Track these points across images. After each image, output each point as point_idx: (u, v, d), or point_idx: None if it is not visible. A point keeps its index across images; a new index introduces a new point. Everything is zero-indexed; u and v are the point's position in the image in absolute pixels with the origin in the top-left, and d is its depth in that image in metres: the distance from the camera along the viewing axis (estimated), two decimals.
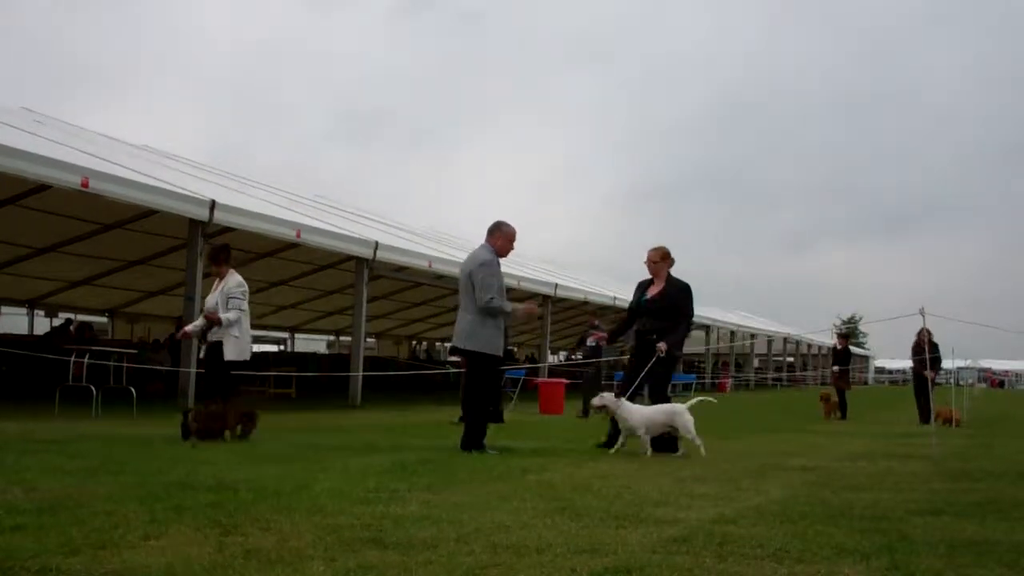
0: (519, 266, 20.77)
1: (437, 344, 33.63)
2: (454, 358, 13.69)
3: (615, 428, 7.87)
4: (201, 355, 8.82)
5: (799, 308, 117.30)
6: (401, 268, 18.32)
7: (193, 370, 11.96)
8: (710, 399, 7.97)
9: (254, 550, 3.29)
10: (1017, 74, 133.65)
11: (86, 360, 11.80)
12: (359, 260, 16.00)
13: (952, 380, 19.29)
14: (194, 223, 12.53)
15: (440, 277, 18.87)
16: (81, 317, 21.37)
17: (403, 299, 26.77)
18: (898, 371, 63.06)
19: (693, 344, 35.90)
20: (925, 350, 12.61)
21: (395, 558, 3.24)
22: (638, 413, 7.47)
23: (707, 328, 35.14)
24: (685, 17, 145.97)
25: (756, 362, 43.46)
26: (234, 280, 8.28)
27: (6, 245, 16.75)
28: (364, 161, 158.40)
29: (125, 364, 12.76)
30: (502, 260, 7.74)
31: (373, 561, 3.18)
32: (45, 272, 18.86)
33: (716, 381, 34.54)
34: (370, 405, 15.32)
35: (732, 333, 39.42)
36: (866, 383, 60.25)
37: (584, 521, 4.09)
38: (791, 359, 50.79)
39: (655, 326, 7.83)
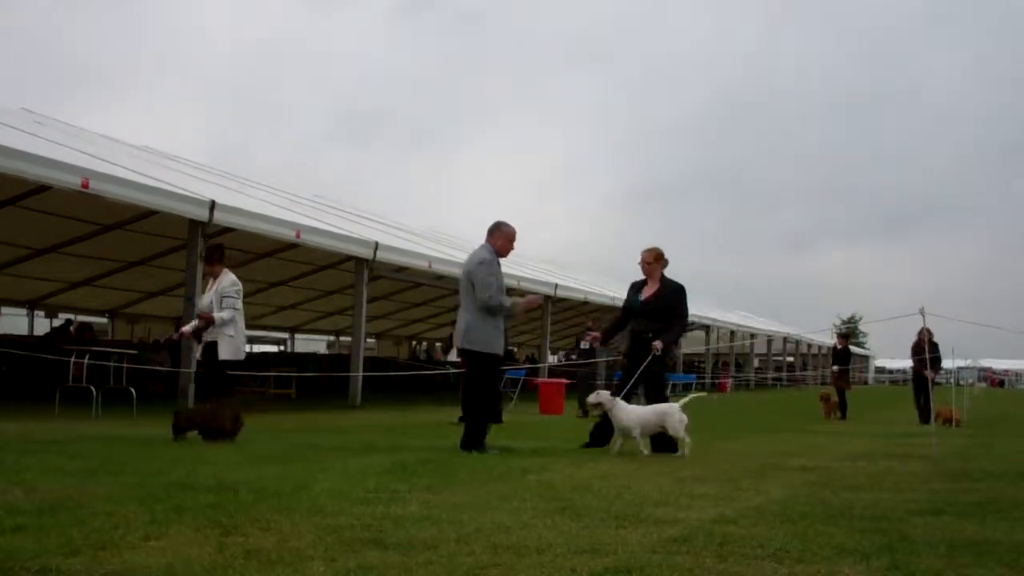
0: (519, 266, 20.78)
1: (437, 344, 33.62)
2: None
3: (599, 428, 7.89)
4: (198, 355, 8.78)
5: (799, 308, 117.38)
6: (401, 268, 18.33)
7: (193, 371, 11.97)
8: (702, 394, 7.98)
9: (254, 550, 3.29)
10: (1017, 74, 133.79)
11: (86, 361, 11.80)
12: (359, 260, 16.00)
13: (952, 380, 19.30)
14: (194, 223, 12.53)
15: (440, 277, 18.88)
16: (81, 318, 21.37)
17: (403, 299, 26.78)
18: (898, 371, 63.05)
19: (693, 344, 35.93)
20: (925, 350, 12.61)
21: (395, 558, 3.24)
22: (632, 413, 7.48)
23: (707, 328, 35.14)
24: (685, 17, 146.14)
25: (756, 362, 43.45)
26: (228, 279, 8.27)
27: (6, 246, 16.76)
28: (364, 161, 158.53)
29: (125, 365, 12.77)
30: (502, 260, 7.76)
31: (373, 562, 3.18)
32: (45, 273, 18.87)
33: (716, 381, 34.53)
34: (370, 405, 15.32)
35: (732, 333, 39.41)
36: (866, 383, 60.25)
37: (584, 521, 4.09)
38: (791, 359, 50.80)
39: (650, 327, 7.84)
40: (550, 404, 15.47)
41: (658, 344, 7.74)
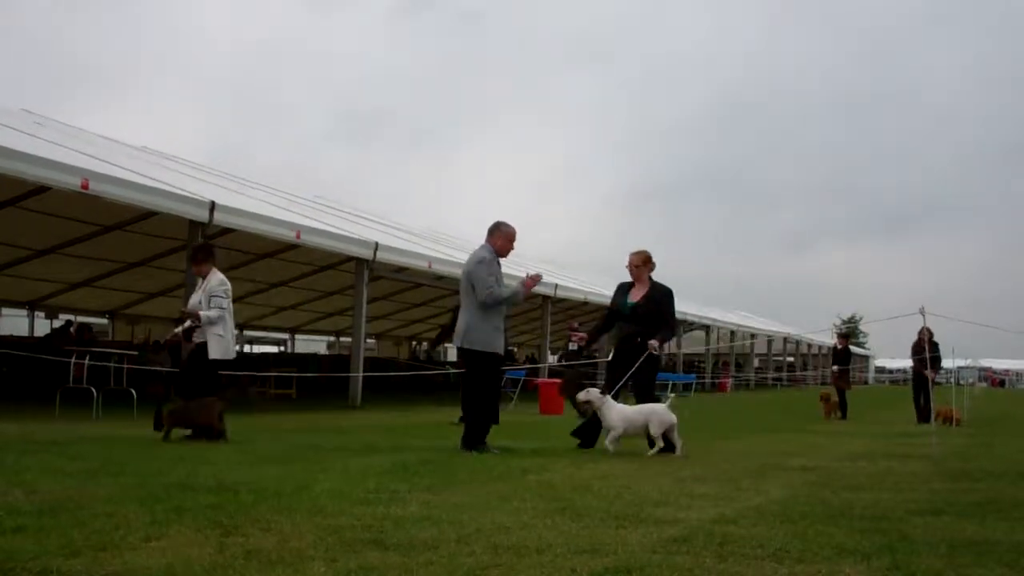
0: (519, 266, 20.76)
1: (423, 345, 33.62)
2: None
3: (583, 428, 7.90)
4: (184, 355, 8.77)
5: (799, 308, 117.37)
6: (401, 269, 18.33)
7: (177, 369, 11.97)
8: (674, 396, 8.03)
9: (255, 551, 3.29)
10: (1017, 74, 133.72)
11: (86, 362, 11.80)
12: (359, 261, 16.01)
13: (952, 379, 19.30)
14: (194, 224, 12.53)
15: (440, 278, 18.88)
16: (81, 319, 21.39)
17: (403, 300, 26.79)
18: (898, 371, 63.06)
19: (693, 344, 35.96)
20: (925, 349, 12.61)
21: (396, 559, 3.24)
22: (618, 411, 7.49)
23: (707, 328, 35.15)
24: (685, 17, 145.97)
25: (756, 362, 43.48)
26: (216, 279, 8.27)
27: (6, 247, 16.77)
28: (364, 161, 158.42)
29: (125, 365, 12.77)
30: (502, 260, 7.78)
31: (374, 562, 3.19)
32: (45, 274, 18.88)
33: (716, 381, 34.54)
34: (370, 406, 15.33)
35: (732, 333, 39.44)
36: (866, 383, 60.26)
37: (584, 521, 4.09)
38: (791, 359, 50.81)
39: (639, 330, 7.87)
40: (550, 404, 15.48)
41: (654, 343, 7.79)
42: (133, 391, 11.50)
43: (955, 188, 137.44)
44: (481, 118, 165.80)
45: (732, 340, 38.99)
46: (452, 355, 26.68)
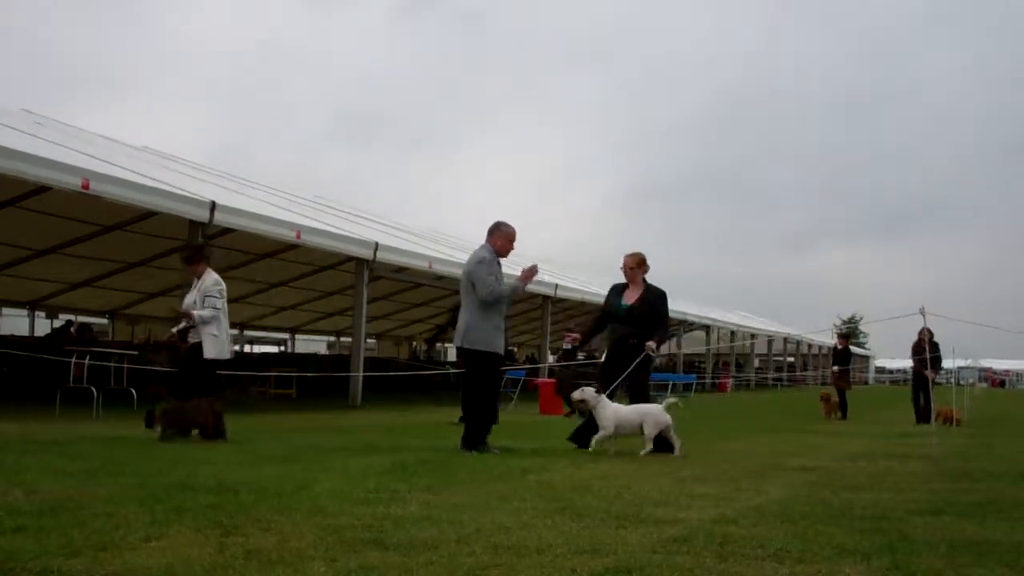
0: (519, 266, 20.74)
1: (437, 344, 33.64)
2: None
3: (580, 431, 7.92)
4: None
5: (799, 308, 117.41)
6: (401, 269, 18.33)
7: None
8: (677, 403, 8.03)
9: (255, 551, 3.29)
10: (1017, 74, 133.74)
11: (87, 361, 11.80)
12: (359, 261, 16.01)
13: (953, 380, 19.30)
14: (194, 224, 12.53)
15: (440, 278, 18.88)
16: (81, 319, 21.38)
17: (403, 300, 26.79)
18: (898, 371, 63.06)
19: (693, 344, 35.97)
20: (926, 350, 12.61)
21: (396, 559, 3.25)
22: (612, 411, 7.48)
23: (707, 328, 35.16)
24: (685, 17, 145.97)
25: (756, 362, 43.48)
26: (211, 279, 8.27)
27: (7, 247, 16.76)
28: (364, 161, 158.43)
29: (126, 365, 12.77)
30: (503, 260, 7.79)
31: (374, 562, 3.19)
32: (45, 274, 18.87)
33: (717, 381, 34.54)
34: (370, 406, 15.33)
35: (732, 333, 39.45)
36: (866, 383, 60.26)
37: (584, 521, 4.09)
38: (791, 359, 50.82)
39: (634, 331, 7.88)
40: (550, 404, 15.48)
41: (652, 344, 7.82)
42: (133, 391, 11.51)
43: (955, 188, 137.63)
44: (481, 118, 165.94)
45: (732, 340, 38.99)
46: (452, 355, 26.67)
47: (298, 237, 14.40)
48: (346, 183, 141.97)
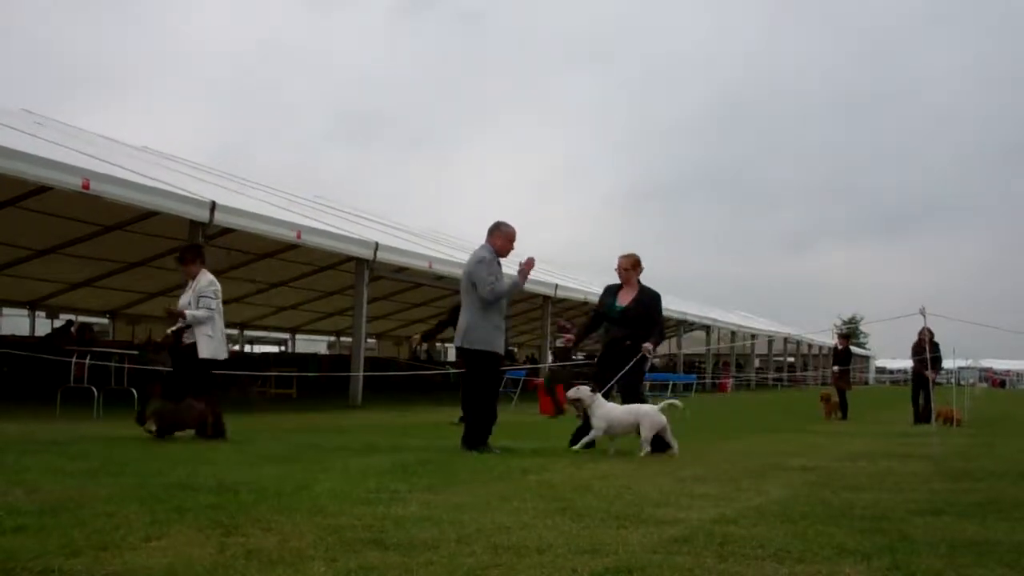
0: (518, 265, 20.76)
1: (437, 345, 33.64)
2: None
3: (579, 432, 7.93)
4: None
5: (799, 308, 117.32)
6: (401, 269, 18.34)
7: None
8: (676, 403, 8.03)
9: (255, 551, 3.30)
10: (1017, 74, 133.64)
11: (87, 361, 11.80)
12: (359, 261, 16.02)
13: (953, 380, 19.30)
14: (194, 224, 12.54)
15: (440, 278, 18.89)
16: (82, 318, 21.39)
17: (403, 300, 26.80)
18: (899, 371, 63.06)
19: (694, 344, 35.97)
20: (926, 350, 12.61)
21: (396, 559, 3.25)
22: (605, 411, 7.48)
23: (708, 328, 35.16)
24: (685, 17, 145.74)
25: (757, 362, 43.49)
26: (206, 279, 8.26)
27: (7, 247, 16.78)
28: (364, 161, 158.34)
29: (126, 365, 12.77)
30: (503, 260, 7.80)
31: (374, 562, 3.19)
32: (46, 274, 18.89)
33: (717, 381, 34.55)
34: (370, 405, 15.33)
35: (733, 333, 39.47)
36: (867, 383, 60.26)
37: (585, 521, 4.09)
38: (792, 359, 50.82)
39: (628, 333, 7.89)
40: (550, 404, 15.46)
41: (648, 346, 7.83)
42: (134, 391, 11.49)
43: (955, 188, 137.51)
44: (481, 118, 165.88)
45: (733, 340, 39.00)
46: (452, 355, 26.65)
47: (299, 237, 14.41)
48: (346, 183, 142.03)
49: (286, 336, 31.97)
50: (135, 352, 16.21)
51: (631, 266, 8.10)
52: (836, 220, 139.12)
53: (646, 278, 8.24)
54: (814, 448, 8.99)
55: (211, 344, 8.09)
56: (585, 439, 7.51)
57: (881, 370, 73.76)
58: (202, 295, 8.11)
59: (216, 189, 15.13)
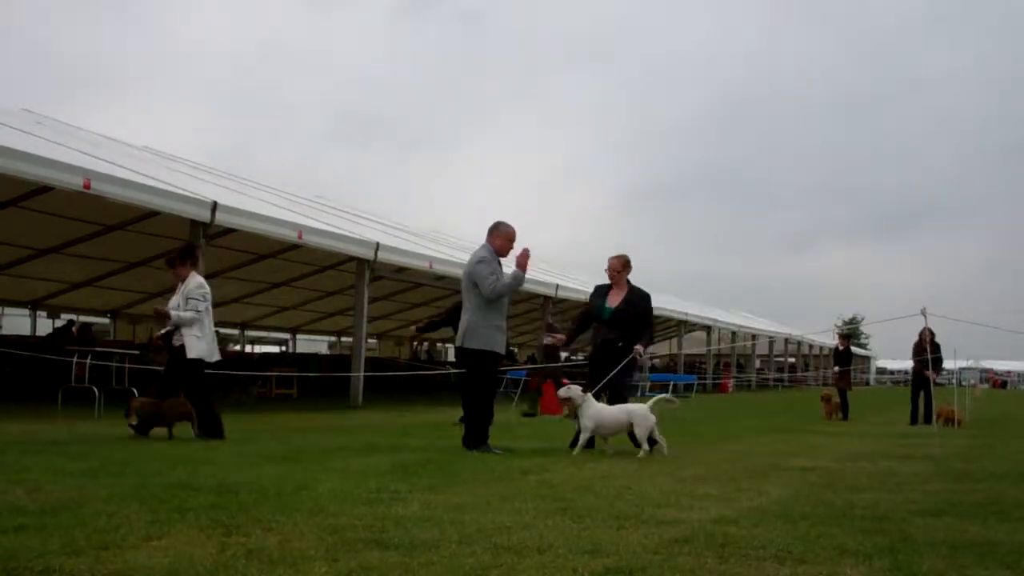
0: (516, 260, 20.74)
1: (438, 345, 33.64)
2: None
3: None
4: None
5: (799, 308, 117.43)
6: (402, 269, 18.33)
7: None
8: (671, 399, 8.01)
9: (256, 551, 3.30)
10: (1017, 74, 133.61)
11: (88, 361, 11.81)
12: (360, 261, 16.01)
13: (954, 380, 19.29)
14: (195, 224, 12.53)
15: (441, 278, 18.89)
16: (83, 318, 21.40)
17: (404, 300, 26.79)
18: (900, 371, 63.02)
19: (694, 345, 35.96)
20: (927, 350, 12.61)
21: (397, 559, 3.25)
22: (595, 411, 7.47)
23: (708, 329, 35.16)
24: (685, 17, 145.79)
25: (757, 363, 43.47)
26: (195, 282, 8.25)
27: (8, 247, 16.77)
28: (364, 161, 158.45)
29: (127, 365, 12.78)
30: (503, 260, 7.81)
31: (375, 562, 3.19)
32: (47, 273, 18.88)
33: (717, 382, 34.53)
34: (371, 406, 15.33)
35: (733, 334, 39.45)
36: (867, 384, 60.22)
37: (585, 522, 4.09)
38: (792, 360, 50.79)
39: (618, 334, 7.91)
40: (550, 404, 15.44)
41: (640, 348, 7.87)
42: (135, 390, 11.50)
43: (955, 188, 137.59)
44: (481, 118, 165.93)
45: (733, 341, 38.99)
46: (452, 355, 26.62)
47: (300, 237, 14.40)
48: (346, 183, 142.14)
49: (287, 336, 31.95)
50: (136, 352, 16.24)
51: (622, 267, 8.13)
52: (836, 220, 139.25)
53: (647, 279, 8.28)
54: (815, 448, 8.98)
55: (199, 345, 8.09)
56: (581, 441, 7.50)
57: (882, 370, 73.72)
58: (190, 297, 8.12)
59: (217, 189, 15.13)
